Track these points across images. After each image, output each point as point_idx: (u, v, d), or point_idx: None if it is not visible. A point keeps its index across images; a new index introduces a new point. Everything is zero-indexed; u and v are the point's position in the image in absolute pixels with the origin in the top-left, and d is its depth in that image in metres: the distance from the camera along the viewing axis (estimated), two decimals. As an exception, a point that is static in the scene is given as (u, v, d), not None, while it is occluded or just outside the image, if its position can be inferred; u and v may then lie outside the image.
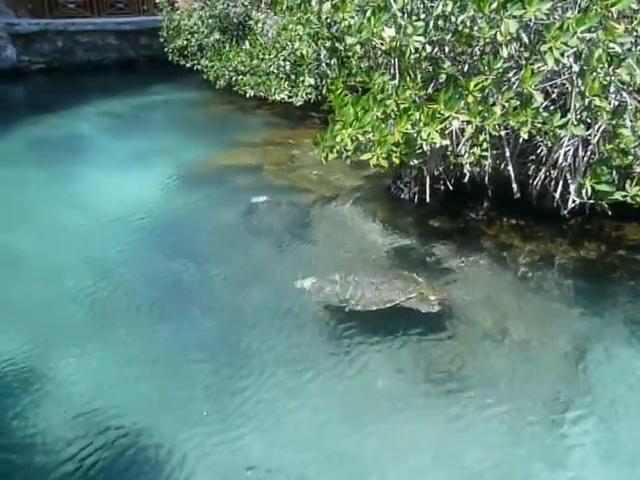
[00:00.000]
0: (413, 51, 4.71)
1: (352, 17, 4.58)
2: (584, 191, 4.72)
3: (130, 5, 17.11)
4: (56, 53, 15.64)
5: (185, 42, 12.25)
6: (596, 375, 4.13)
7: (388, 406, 3.85)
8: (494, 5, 4.20)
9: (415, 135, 4.60)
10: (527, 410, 3.80)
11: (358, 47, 4.62)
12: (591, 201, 4.97)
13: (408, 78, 5.13)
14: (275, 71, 9.51)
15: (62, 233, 6.23)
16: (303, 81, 8.08)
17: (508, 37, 4.29)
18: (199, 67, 12.35)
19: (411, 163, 5.16)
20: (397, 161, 4.67)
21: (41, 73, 15.15)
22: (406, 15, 4.71)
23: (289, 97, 9.53)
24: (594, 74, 4.30)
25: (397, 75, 5.28)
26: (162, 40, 13.01)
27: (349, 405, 3.87)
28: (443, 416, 3.77)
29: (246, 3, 10.71)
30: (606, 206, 5.01)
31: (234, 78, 10.95)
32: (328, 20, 5.33)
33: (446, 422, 3.72)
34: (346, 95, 4.89)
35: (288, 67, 9.16)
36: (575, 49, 4.26)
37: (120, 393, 3.94)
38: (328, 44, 6.15)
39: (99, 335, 4.52)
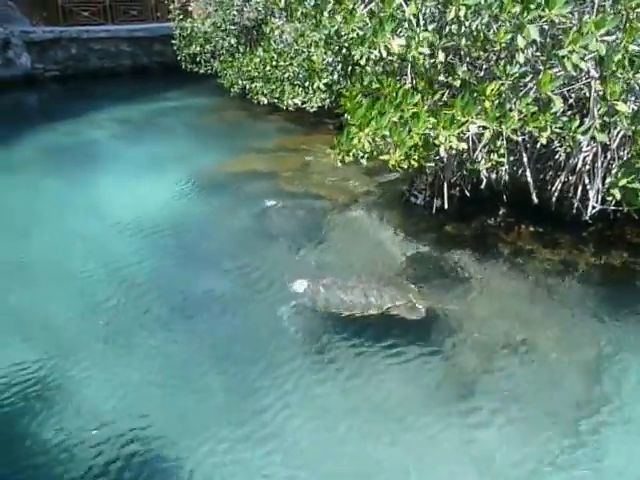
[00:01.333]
0: (426, 58, 4.65)
1: (360, 29, 4.54)
2: (613, 192, 4.58)
3: (143, 12, 17.26)
4: (70, 60, 15.79)
5: (198, 49, 12.27)
6: (620, 388, 4.02)
7: (398, 425, 3.79)
8: (515, 9, 4.13)
9: (433, 138, 4.54)
10: (547, 423, 3.72)
11: (364, 58, 4.57)
12: (612, 207, 4.87)
13: (422, 84, 5.08)
14: (289, 77, 9.49)
15: (77, 240, 6.25)
16: (317, 87, 8.04)
17: (529, 41, 4.21)
18: (212, 73, 12.36)
19: (427, 169, 5.10)
20: (415, 164, 4.61)
21: (55, 80, 15.30)
22: (415, 23, 4.64)
23: (302, 103, 9.50)
24: (615, 78, 4.21)
25: (411, 80, 5.22)
26: (175, 47, 13.05)
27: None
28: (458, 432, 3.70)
29: (260, 8, 10.69)
30: (632, 210, 4.87)
31: (247, 86, 10.95)
32: (338, 30, 5.30)
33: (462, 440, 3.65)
34: (361, 100, 4.85)
35: (302, 74, 9.13)
36: (595, 53, 4.17)
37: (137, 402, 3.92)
38: (339, 51, 6.11)
39: (114, 345, 4.50)
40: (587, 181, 5.14)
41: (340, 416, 3.80)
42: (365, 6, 5.02)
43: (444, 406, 3.88)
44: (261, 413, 3.81)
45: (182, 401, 3.94)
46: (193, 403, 3.92)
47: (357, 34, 4.68)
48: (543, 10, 4.04)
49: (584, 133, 4.42)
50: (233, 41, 11.54)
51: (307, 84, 9.19)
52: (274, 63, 9.98)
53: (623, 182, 4.50)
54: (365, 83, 5.04)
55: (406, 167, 4.52)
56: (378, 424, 3.75)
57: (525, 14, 4.10)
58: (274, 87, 10.13)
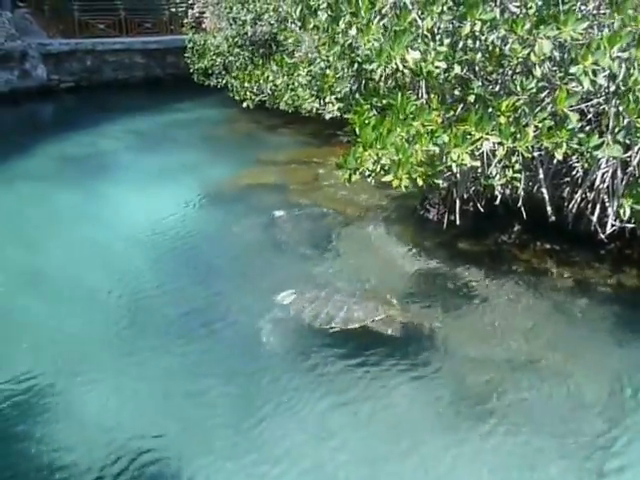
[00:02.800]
0: (441, 72, 4.56)
1: (376, 40, 4.46)
2: (622, 212, 4.48)
3: (157, 25, 17.41)
4: (85, 72, 15.96)
5: (211, 62, 12.30)
6: (635, 412, 3.88)
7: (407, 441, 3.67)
8: (527, 26, 4.04)
9: (440, 155, 4.45)
10: (557, 447, 3.59)
11: (380, 71, 4.49)
12: (631, 225, 4.73)
13: (435, 99, 4.99)
14: (305, 84, 9.43)
15: (88, 250, 6.26)
16: (329, 101, 8.00)
17: (542, 57, 4.12)
18: (224, 86, 12.37)
19: (440, 185, 4.99)
20: (421, 182, 4.51)
21: (70, 91, 15.46)
22: (431, 37, 4.56)
23: (317, 109, 9.41)
24: (633, 95, 4.09)
25: (424, 95, 5.14)
26: (187, 60, 13.10)
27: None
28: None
29: (272, 22, 10.70)
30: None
31: (261, 97, 10.92)
32: (352, 43, 5.23)
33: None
34: (372, 116, 4.77)
35: (315, 85, 9.07)
36: (608, 69, 4.06)
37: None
38: (351, 65, 6.04)
39: (122, 356, 4.49)
40: (606, 198, 5.00)
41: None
42: (379, 20, 4.95)
43: (439, 427, 3.77)
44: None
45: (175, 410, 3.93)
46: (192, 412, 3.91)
47: (373, 45, 4.60)
48: (558, 27, 3.95)
49: (597, 148, 4.30)
50: (246, 55, 11.55)
51: (321, 95, 9.10)
52: (290, 73, 9.91)
53: (630, 202, 4.39)
54: (377, 98, 4.96)
55: (410, 187, 4.42)
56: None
57: (538, 31, 4.01)
58: (293, 94, 10.06)
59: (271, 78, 10.43)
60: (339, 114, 9.02)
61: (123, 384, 4.20)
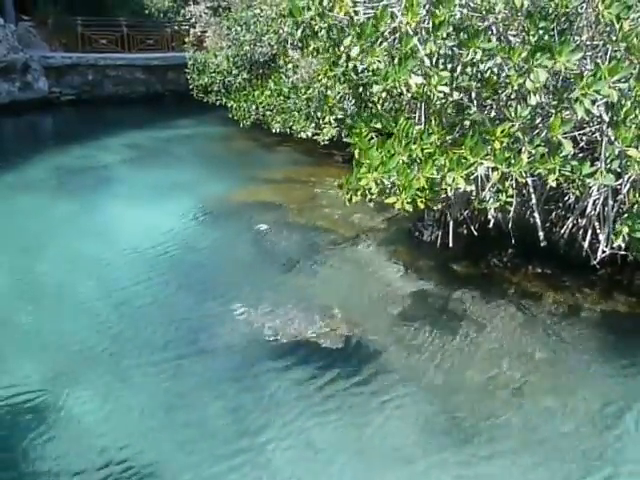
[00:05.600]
0: (440, 97, 4.66)
1: (380, 61, 4.55)
2: (620, 238, 4.54)
3: (159, 42, 17.61)
4: (86, 86, 16.08)
5: (211, 80, 12.44)
6: (620, 438, 3.90)
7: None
8: (524, 54, 4.15)
9: (440, 180, 4.52)
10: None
11: (384, 94, 4.59)
12: (621, 252, 4.80)
13: (434, 123, 5.08)
14: (302, 109, 9.56)
15: (84, 264, 6.27)
16: (328, 121, 8.12)
17: (537, 85, 4.22)
18: (223, 104, 12.50)
19: (434, 208, 5.07)
20: (422, 206, 4.58)
21: (70, 104, 15.55)
22: (433, 61, 4.67)
23: (314, 135, 9.54)
24: (626, 125, 4.19)
25: (423, 119, 5.23)
26: (188, 77, 13.25)
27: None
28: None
29: (272, 43, 10.86)
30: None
31: (259, 116, 11.05)
32: (355, 64, 5.33)
33: None
34: (371, 138, 4.85)
35: (314, 106, 9.21)
36: (607, 99, 4.17)
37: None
38: (353, 87, 6.15)
39: (114, 370, 4.51)
40: (597, 225, 5.08)
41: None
42: (380, 44, 5.06)
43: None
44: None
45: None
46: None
47: (377, 67, 4.69)
48: (553, 57, 4.06)
49: (589, 176, 4.38)
50: (245, 75, 11.70)
51: (319, 115, 9.24)
52: (287, 95, 10.07)
53: (626, 230, 4.46)
54: (377, 120, 5.05)
55: (411, 210, 4.49)
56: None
57: (533, 60, 4.12)
58: (286, 117, 10.20)
59: (266, 100, 10.59)
60: (335, 137, 9.18)
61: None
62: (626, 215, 4.62)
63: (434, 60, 4.65)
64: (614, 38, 4.24)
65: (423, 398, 4.25)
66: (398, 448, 3.78)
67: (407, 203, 4.45)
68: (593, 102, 4.07)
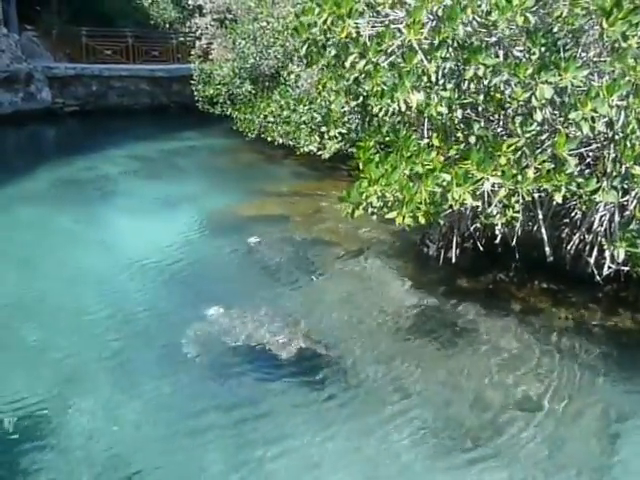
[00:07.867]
0: (441, 117, 4.68)
1: (384, 83, 4.57)
2: (617, 254, 4.56)
3: (164, 53, 17.67)
4: (90, 96, 16.14)
5: (216, 91, 12.48)
6: (622, 456, 3.87)
7: None
8: (530, 70, 4.16)
9: (443, 194, 4.52)
10: None
11: (382, 112, 4.62)
12: (626, 268, 4.80)
13: (437, 138, 5.09)
14: (306, 122, 9.60)
15: (86, 276, 6.25)
16: (332, 135, 8.15)
17: (543, 101, 4.24)
18: (227, 115, 12.54)
19: (440, 222, 5.07)
20: (424, 220, 4.58)
21: (74, 115, 15.61)
22: (435, 78, 4.68)
23: (318, 149, 9.58)
24: (629, 142, 4.20)
25: (426, 134, 5.24)
26: (193, 88, 13.30)
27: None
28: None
29: (279, 56, 10.91)
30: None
31: (263, 127, 11.09)
32: (359, 79, 5.35)
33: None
34: (376, 152, 4.85)
35: (318, 119, 9.24)
36: (607, 117, 4.18)
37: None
38: (357, 101, 6.16)
39: (116, 384, 4.49)
40: (603, 241, 5.08)
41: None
42: (385, 59, 5.08)
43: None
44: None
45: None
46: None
47: (380, 88, 4.71)
48: (559, 74, 4.08)
49: (595, 192, 4.39)
50: (250, 87, 11.74)
51: (323, 129, 9.27)
52: (292, 107, 10.11)
53: (624, 245, 4.47)
54: (380, 134, 5.06)
55: (412, 224, 4.48)
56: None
57: (540, 76, 4.14)
58: (290, 130, 10.24)
59: (271, 111, 10.64)
60: (338, 151, 9.20)
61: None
62: (626, 230, 4.62)
63: (437, 77, 4.67)
64: (609, 60, 4.27)
65: (425, 412, 4.23)
66: (394, 460, 3.78)
67: (408, 217, 4.44)
68: (593, 120, 4.09)
